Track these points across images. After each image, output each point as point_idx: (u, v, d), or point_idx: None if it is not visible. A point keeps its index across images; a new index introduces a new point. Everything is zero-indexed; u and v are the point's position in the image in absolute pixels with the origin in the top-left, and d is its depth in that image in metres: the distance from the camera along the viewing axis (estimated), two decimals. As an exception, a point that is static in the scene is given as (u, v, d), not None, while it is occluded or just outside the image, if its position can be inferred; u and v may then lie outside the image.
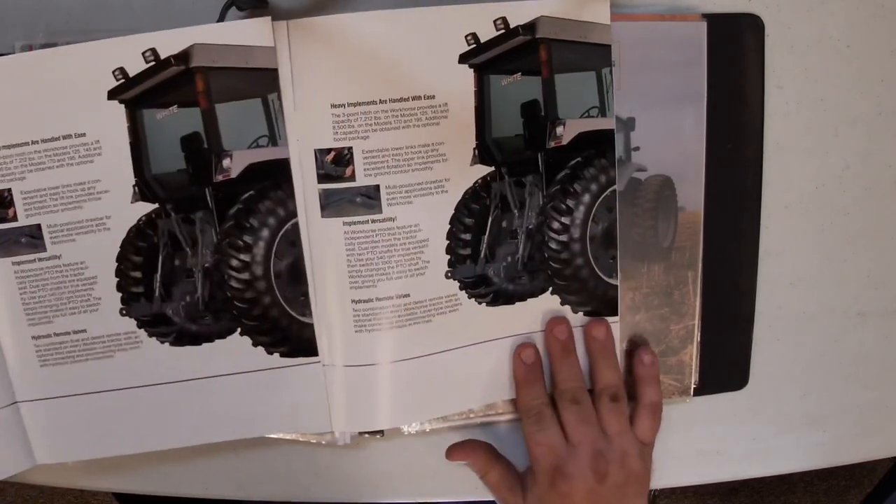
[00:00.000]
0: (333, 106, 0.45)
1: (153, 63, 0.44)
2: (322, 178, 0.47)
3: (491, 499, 0.56)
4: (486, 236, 0.49)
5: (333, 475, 0.55)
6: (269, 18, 0.44)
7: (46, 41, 0.45)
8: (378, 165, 0.46)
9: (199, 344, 0.49)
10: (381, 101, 0.45)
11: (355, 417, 0.50)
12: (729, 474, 0.58)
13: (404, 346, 0.49)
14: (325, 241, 0.47)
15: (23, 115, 0.45)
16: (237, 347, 0.49)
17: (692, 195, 0.52)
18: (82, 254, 0.47)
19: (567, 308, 0.51)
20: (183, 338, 0.49)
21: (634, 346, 0.53)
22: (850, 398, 0.58)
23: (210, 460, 0.54)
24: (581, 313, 0.52)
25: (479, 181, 0.48)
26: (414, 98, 0.46)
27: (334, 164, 0.46)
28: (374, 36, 0.45)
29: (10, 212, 0.46)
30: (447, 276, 0.49)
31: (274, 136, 0.47)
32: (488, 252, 0.50)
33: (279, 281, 0.48)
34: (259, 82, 0.46)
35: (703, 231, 0.52)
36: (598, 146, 0.49)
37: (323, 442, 0.53)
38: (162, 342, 0.48)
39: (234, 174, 0.47)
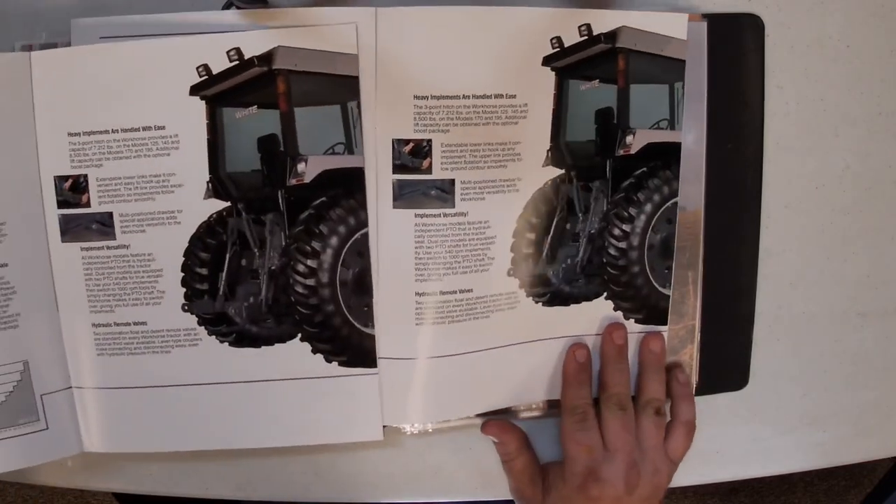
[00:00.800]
0: (416, 97, 0.46)
1: (237, 62, 0.45)
2: (397, 168, 0.47)
3: (490, 499, 0.56)
4: (549, 237, 0.50)
5: (333, 475, 0.55)
6: (354, 25, 0.45)
7: (46, 41, 0.45)
8: (455, 160, 0.47)
9: (258, 346, 0.49)
10: (464, 97, 0.46)
11: (411, 410, 0.50)
12: (729, 474, 0.58)
13: (462, 341, 0.49)
14: (394, 232, 0.47)
15: (105, 104, 0.45)
16: (296, 353, 0.49)
17: (692, 195, 0.52)
18: (151, 245, 0.47)
19: (619, 314, 0.52)
20: (243, 339, 0.48)
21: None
22: (850, 398, 0.58)
23: (210, 461, 0.54)
24: (633, 320, 0.52)
25: (549, 182, 0.49)
26: (496, 96, 0.46)
27: (412, 155, 0.46)
28: (462, 31, 0.45)
29: (84, 197, 0.46)
30: (509, 274, 0.49)
31: (350, 143, 0.47)
32: (550, 253, 0.50)
33: (344, 290, 0.48)
34: (339, 89, 0.46)
35: (703, 231, 0.53)
36: (664, 158, 0.50)
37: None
38: (221, 342, 0.48)
39: (307, 179, 0.47)
